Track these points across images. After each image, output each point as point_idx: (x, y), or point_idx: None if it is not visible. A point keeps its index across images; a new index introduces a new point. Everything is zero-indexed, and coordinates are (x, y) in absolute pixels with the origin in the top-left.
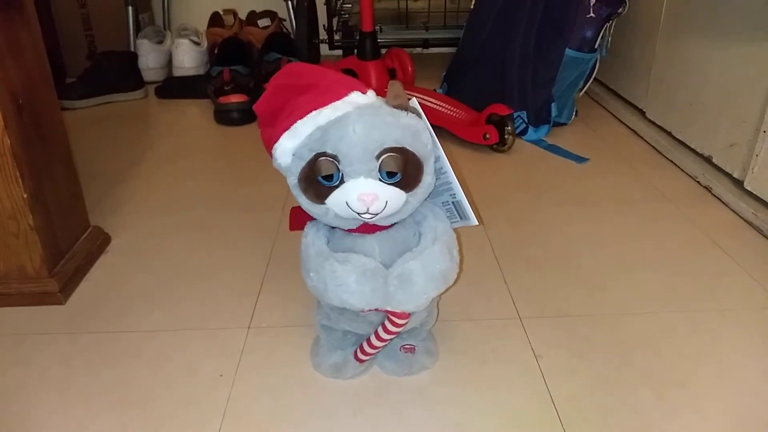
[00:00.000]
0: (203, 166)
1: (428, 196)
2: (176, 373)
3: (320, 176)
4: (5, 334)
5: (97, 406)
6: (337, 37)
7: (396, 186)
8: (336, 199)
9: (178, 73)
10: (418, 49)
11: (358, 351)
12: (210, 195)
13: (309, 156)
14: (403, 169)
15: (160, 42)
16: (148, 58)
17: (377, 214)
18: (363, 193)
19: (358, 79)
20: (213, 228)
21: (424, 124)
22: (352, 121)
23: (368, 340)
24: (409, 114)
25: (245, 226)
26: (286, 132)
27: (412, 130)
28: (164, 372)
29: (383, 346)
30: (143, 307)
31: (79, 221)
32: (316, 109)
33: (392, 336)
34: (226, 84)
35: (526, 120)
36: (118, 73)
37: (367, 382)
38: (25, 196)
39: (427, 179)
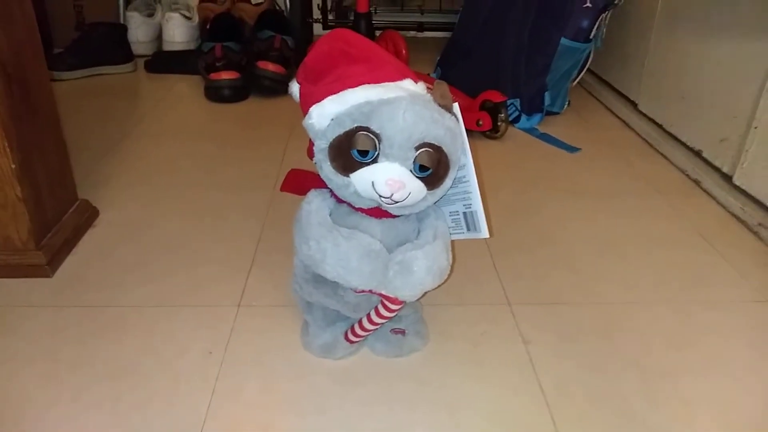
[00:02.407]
0: (193, 143)
1: (440, 201)
2: (165, 349)
3: (355, 149)
4: None
5: (84, 382)
6: (331, 16)
7: (422, 181)
8: (362, 177)
9: (168, 47)
10: (412, 33)
11: (349, 332)
12: (200, 172)
13: (350, 126)
14: (434, 167)
15: (151, 15)
16: (138, 31)
17: (397, 202)
18: (392, 179)
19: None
20: (202, 205)
21: (461, 130)
22: (404, 107)
23: (359, 322)
24: (451, 117)
25: (235, 204)
26: (333, 96)
27: (452, 133)
28: (153, 348)
29: (374, 330)
30: (132, 282)
31: (67, 194)
32: (368, 83)
33: (384, 320)
34: (217, 60)
35: (519, 108)
36: (107, 45)
37: (357, 363)
38: (13, 166)
39: (448, 183)
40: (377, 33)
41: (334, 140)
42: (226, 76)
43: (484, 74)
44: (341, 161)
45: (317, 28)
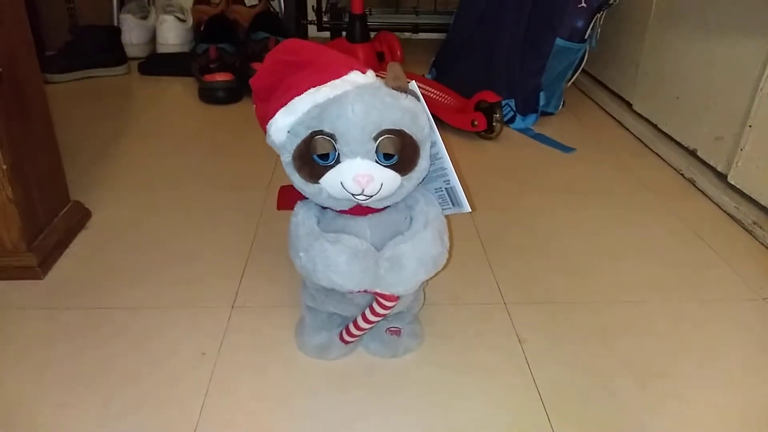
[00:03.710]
0: (187, 145)
1: (422, 182)
2: (158, 350)
3: (316, 155)
4: None
5: (76, 383)
6: (325, 18)
7: (392, 168)
8: (330, 179)
9: (162, 49)
10: (407, 34)
11: (344, 332)
12: (193, 174)
13: (305, 134)
14: (400, 152)
15: (145, 17)
16: (132, 34)
17: (372, 196)
18: (359, 174)
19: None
20: (196, 206)
21: (422, 108)
22: (351, 101)
23: (355, 322)
24: (408, 96)
25: (229, 206)
26: (283, 108)
27: (411, 112)
28: (146, 349)
29: (369, 328)
30: (124, 284)
31: (59, 195)
32: (314, 87)
33: (379, 318)
34: (211, 62)
35: (514, 108)
36: (101, 47)
37: (351, 363)
38: (4, 167)
39: (423, 163)
40: (372, 34)
41: (294, 151)
42: (220, 77)
43: (479, 75)
44: (307, 170)
45: (312, 30)
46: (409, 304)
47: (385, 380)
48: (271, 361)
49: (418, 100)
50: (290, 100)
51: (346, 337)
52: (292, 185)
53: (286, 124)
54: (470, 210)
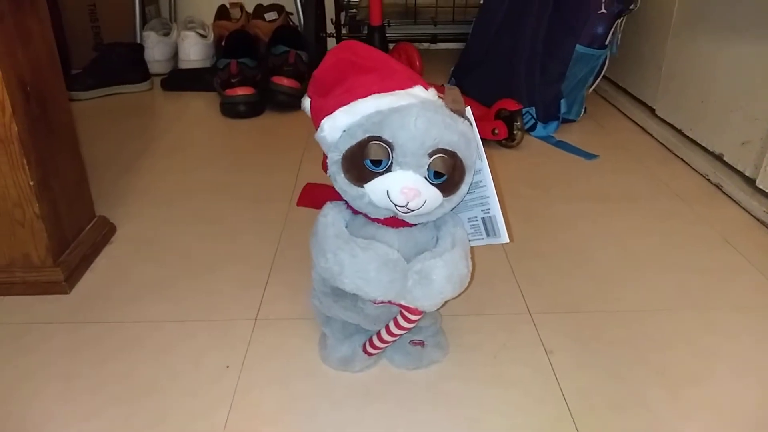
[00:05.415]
0: (209, 159)
1: (457, 208)
2: (182, 364)
3: (368, 159)
4: (9, 323)
5: (102, 397)
6: (344, 31)
7: (437, 188)
8: (376, 186)
9: (184, 65)
10: (426, 45)
11: (367, 344)
12: (216, 187)
13: (362, 136)
14: (449, 173)
15: (167, 34)
16: (155, 51)
17: (413, 211)
18: (407, 187)
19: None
20: (219, 220)
21: (474, 135)
22: (415, 114)
23: (378, 334)
24: (465, 121)
25: (252, 219)
26: (344, 107)
27: (466, 137)
28: (170, 363)
29: (393, 341)
30: (149, 297)
31: (84, 210)
32: (379, 92)
33: (403, 332)
34: (233, 76)
35: (534, 116)
36: (125, 64)
37: (376, 376)
38: (31, 183)
39: (464, 189)
40: (391, 46)
41: (346, 151)
42: (241, 92)
43: (499, 83)
44: (355, 172)
45: (331, 43)
46: (427, 322)
47: (410, 393)
48: (294, 373)
49: (472, 126)
50: (353, 100)
51: (370, 349)
52: (318, 185)
53: (344, 123)
54: (508, 241)
